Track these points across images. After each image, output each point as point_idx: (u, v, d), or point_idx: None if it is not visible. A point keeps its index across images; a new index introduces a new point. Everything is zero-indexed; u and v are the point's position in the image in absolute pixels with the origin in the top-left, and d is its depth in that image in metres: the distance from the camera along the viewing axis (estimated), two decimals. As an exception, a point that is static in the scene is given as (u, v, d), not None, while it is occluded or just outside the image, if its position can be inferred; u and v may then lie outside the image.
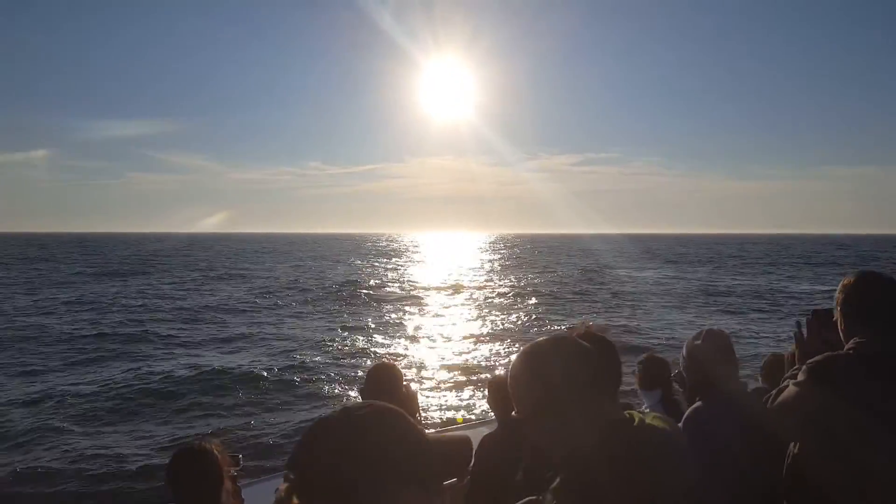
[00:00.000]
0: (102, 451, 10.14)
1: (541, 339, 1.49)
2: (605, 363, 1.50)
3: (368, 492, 0.91)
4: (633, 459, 1.33)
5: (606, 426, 1.38)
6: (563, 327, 22.23)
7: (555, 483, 1.39)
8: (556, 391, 1.39)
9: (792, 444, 2.23)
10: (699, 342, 2.74)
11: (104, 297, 32.30)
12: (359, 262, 71.45)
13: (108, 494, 8.67)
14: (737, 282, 43.08)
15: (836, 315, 2.25)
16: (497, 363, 17.06)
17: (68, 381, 14.73)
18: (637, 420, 1.42)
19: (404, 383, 3.15)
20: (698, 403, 2.66)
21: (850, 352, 2.12)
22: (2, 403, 12.80)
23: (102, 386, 14.20)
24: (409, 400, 3.12)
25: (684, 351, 2.80)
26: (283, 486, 0.95)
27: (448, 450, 1.03)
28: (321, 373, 15.72)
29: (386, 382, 3.03)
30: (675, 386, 3.54)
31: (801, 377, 2.11)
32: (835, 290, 2.28)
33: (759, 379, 4.00)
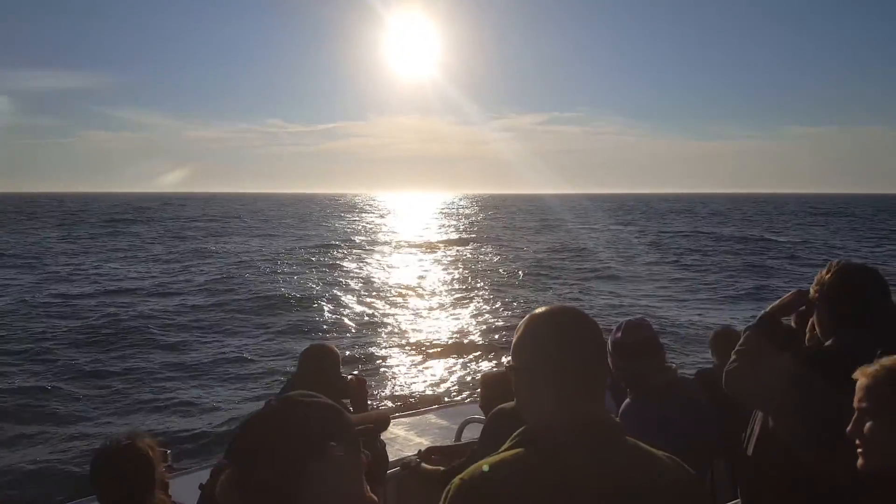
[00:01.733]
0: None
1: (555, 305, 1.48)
2: (596, 352, 1.41)
3: (289, 469, 1.14)
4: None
5: (586, 420, 1.32)
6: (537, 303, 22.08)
7: (513, 441, 1.34)
8: (546, 358, 1.36)
9: (757, 415, 2.27)
10: (619, 335, 2.70)
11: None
12: (323, 224, 70.21)
13: (35, 488, 8.01)
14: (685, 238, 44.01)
15: (814, 303, 2.27)
16: (462, 339, 16.59)
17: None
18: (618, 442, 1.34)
19: (349, 376, 3.15)
20: (628, 399, 2.67)
21: (843, 347, 2.14)
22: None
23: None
24: (356, 389, 3.12)
25: (609, 346, 2.69)
26: (224, 474, 1.17)
27: (364, 421, 1.33)
28: (257, 353, 14.83)
29: (319, 364, 3.10)
30: None
31: (798, 362, 2.14)
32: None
33: (711, 352, 4.08)
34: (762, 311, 2.40)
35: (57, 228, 55.70)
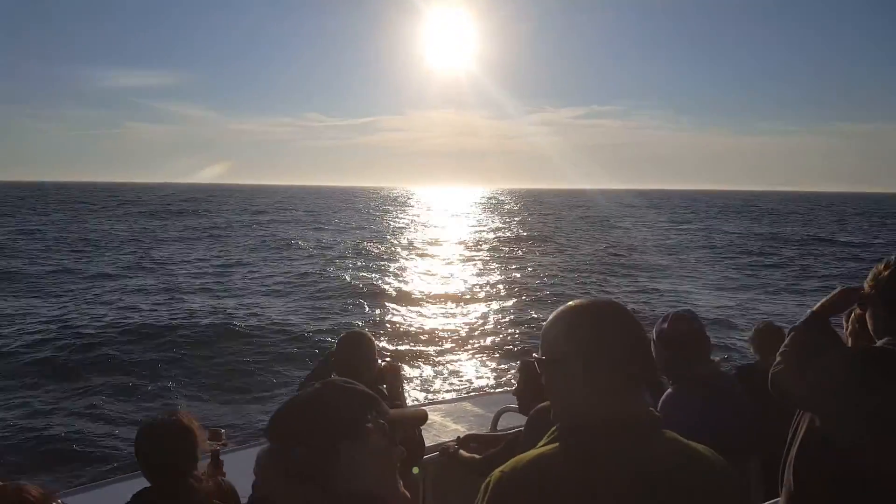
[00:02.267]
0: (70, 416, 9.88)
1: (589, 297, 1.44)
2: (643, 345, 1.39)
3: (324, 447, 1.20)
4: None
5: (626, 417, 1.29)
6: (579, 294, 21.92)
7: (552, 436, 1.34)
8: (585, 351, 1.32)
9: (803, 416, 2.20)
10: (665, 326, 2.71)
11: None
12: (357, 218, 70.83)
13: (82, 464, 8.38)
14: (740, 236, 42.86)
15: (867, 300, 2.18)
16: (499, 330, 16.65)
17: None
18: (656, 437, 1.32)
19: (383, 363, 3.20)
20: (670, 390, 2.68)
21: None
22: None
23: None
24: (390, 375, 3.18)
25: (653, 335, 2.73)
26: (264, 452, 1.25)
27: (402, 417, 1.40)
28: (305, 338, 15.26)
29: (355, 350, 3.14)
30: None
31: (851, 362, 2.08)
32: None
33: (751, 348, 4.07)
34: (808, 310, 2.32)
35: (149, 217, 57.77)
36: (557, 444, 1.31)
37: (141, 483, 2.37)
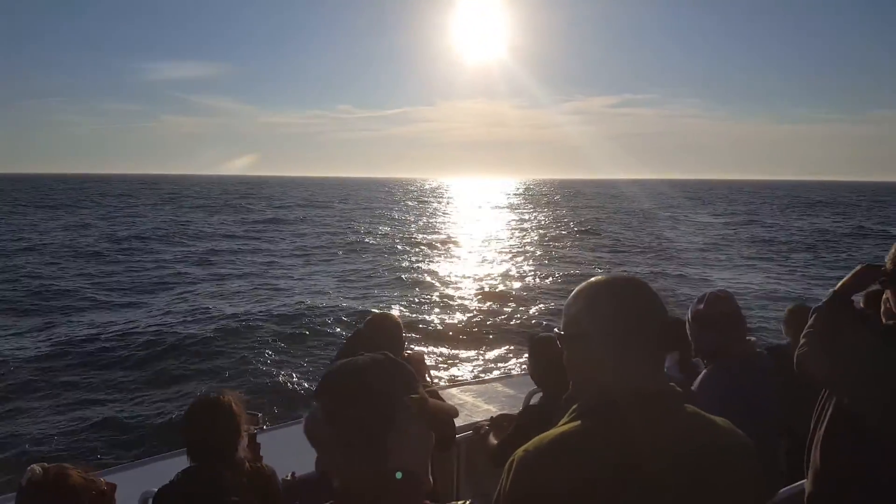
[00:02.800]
0: (114, 400, 10.23)
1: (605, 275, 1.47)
2: (661, 318, 1.38)
3: (383, 410, 1.18)
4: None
5: (646, 391, 1.30)
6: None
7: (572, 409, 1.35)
8: (602, 326, 1.34)
9: (829, 396, 2.20)
10: (702, 306, 2.70)
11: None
12: (391, 209, 71.15)
13: (124, 444, 8.69)
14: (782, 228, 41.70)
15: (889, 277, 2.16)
16: (522, 319, 16.73)
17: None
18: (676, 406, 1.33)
19: (407, 352, 3.20)
20: (706, 371, 2.68)
21: None
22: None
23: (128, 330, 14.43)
24: (414, 364, 3.14)
25: (689, 316, 2.73)
26: (314, 408, 1.23)
27: (437, 408, 1.42)
28: (336, 323, 15.58)
29: (384, 331, 3.14)
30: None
31: (875, 340, 2.09)
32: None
33: (783, 329, 4.08)
34: (830, 290, 2.31)
35: (200, 210, 59.00)
36: (578, 421, 1.30)
37: (183, 462, 2.40)
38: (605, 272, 22.92)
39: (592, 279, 1.43)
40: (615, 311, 1.34)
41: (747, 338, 2.74)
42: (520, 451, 1.28)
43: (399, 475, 1.17)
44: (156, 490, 2.41)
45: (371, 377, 1.21)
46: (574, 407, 1.35)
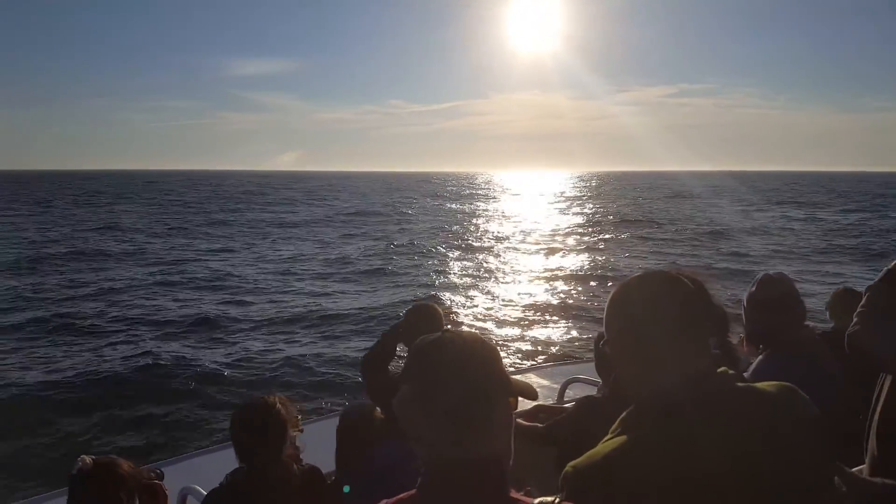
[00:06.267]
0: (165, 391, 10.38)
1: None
2: (698, 306, 1.39)
3: (483, 393, 1.14)
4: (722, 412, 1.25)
5: (694, 374, 1.30)
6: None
7: (628, 412, 1.33)
8: (638, 325, 1.34)
9: (885, 379, 2.12)
10: (755, 289, 2.63)
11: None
12: (447, 205, 71.19)
13: (174, 439, 8.71)
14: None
15: None
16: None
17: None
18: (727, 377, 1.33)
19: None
20: (762, 355, 2.60)
21: None
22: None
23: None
24: None
25: (743, 299, 2.67)
26: (404, 390, 1.17)
27: (518, 387, 1.24)
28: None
29: (425, 321, 3.07)
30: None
31: None
32: None
33: (828, 314, 3.94)
34: (884, 268, 2.18)
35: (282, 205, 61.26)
36: (633, 432, 1.28)
37: (221, 458, 2.44)
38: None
39: (623, 281, 1.45)
40: (643, 309, 1.36)
41: (805, 323, 2.61)
42: (569, 468, 1.27)
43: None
44: (194, 486, 2.44)
45: (475, 356, 1.17)
46: (625, 414, 1.34)
